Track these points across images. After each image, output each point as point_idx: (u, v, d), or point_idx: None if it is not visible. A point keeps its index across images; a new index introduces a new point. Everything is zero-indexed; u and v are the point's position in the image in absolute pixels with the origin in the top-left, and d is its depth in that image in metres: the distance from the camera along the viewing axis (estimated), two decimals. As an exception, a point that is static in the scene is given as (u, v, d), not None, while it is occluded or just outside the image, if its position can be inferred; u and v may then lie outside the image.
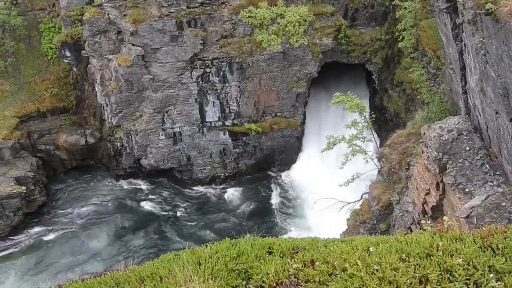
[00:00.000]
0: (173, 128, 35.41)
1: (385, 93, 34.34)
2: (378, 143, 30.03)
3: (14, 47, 36.62)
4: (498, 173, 16.35)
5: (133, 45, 32.35)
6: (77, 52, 35.27)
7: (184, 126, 35.44)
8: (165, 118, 34.91)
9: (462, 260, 5.63)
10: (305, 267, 5.93)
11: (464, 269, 5.54)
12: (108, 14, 32.50)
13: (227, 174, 37.46)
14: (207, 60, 33.25)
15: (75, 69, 36.77)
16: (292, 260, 6.16)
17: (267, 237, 7.24)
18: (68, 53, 35.61)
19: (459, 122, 18.18)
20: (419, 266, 5.62)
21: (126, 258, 29.88)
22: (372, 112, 31.06)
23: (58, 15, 36.76)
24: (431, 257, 5.77)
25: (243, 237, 7.12)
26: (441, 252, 5.83)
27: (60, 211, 34.92)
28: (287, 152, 37.43)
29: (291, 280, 5.72)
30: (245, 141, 36.51)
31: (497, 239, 6.20)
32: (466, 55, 17.71)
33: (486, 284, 5.35)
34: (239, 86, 34.43)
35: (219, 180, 37.46)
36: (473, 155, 17.03)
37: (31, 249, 31.83)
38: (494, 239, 6.22)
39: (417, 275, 5.49)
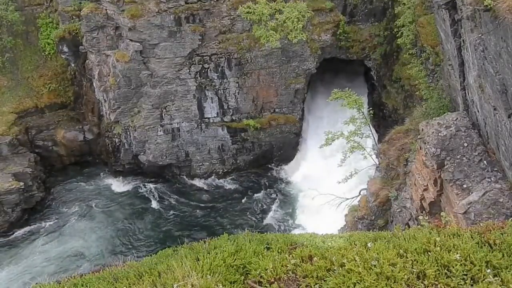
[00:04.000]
0: (172, 124, 35.36)
1: (383, 89, 34.30)
2: (376, 139, 30.03)
3: (12, 43, 36.46)
4: (495, 169, 16.37)
5: (131, 40, 32.27)
6: (75, 48, 35.16)
7: (182, 122, 35.40)
8: (163, 114, 34.86)
9: (460, 256, 5.65)
10: (303, 262, 5.95)
11: (461, 264, 5.56)
12: (106, 10, 32.39)
13: (226, 170, 37.44)
14: (205, 56, 33.18)
15: (73, 65, 36.66)
16: (290, 255, 6.17)
17: (265, 233, 7.26)
18: (66, 49, 35.51)
19: (457, 118, 18.18)
20: (417, 262, 5.64)
21: (124, 253, 29.89)
22: (371, 108, 31.05)
23: (55, 10, 36.59)
24: (429, 253, 5.79)
25: (242, 233, 7.14)
26: (438, 248, 5.85)
27: (58, 206, 34.94)
28: (286, 148, 37.42)
29: (289, 275, 5.74)
30: (244, 137, 36.49)
31: (494, 235, 6.22)
32: (464, 51, 17.70)
33: (483, 280, 5.37)
34: (237, 82, 34.37)
35: (217, 176, 37.45)
36: (471, 151, 17.05)
37: (30, 245, 31.84)
38: (491, 234, 6.24)
39: (414, 270, 5.51)
